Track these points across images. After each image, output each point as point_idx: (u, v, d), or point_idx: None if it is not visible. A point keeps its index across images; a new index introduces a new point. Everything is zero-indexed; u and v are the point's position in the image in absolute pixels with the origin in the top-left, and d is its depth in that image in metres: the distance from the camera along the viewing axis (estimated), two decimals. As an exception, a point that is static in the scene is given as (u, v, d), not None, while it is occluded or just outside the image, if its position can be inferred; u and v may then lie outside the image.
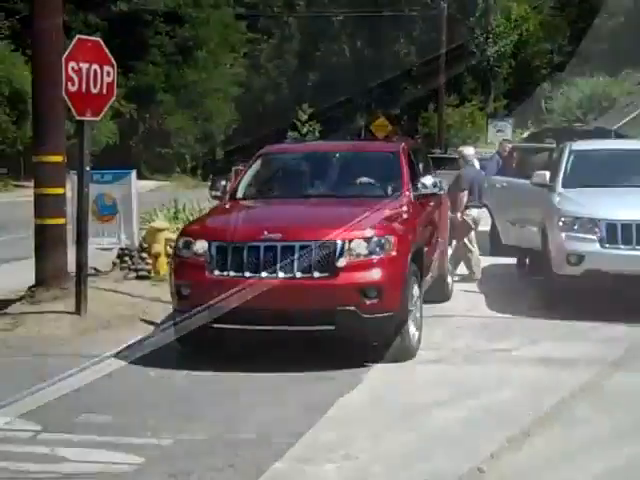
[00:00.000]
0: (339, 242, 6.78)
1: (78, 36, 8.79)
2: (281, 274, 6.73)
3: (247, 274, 6.75)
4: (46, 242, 9.05)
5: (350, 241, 6.81)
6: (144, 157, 49.10)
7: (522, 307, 9.43)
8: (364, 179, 8.47)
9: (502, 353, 7.58)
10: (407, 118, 56.28)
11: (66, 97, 8.70)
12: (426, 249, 8.19)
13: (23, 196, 28.07)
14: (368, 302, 6.77)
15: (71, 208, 9.60)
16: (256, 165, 8.94)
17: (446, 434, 5.47)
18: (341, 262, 6.75)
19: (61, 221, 9.21)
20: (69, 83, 8.65)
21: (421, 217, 8.24)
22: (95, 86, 8.94)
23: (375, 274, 6.83)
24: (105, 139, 41.90)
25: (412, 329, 7.26)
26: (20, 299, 9.21)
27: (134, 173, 10.79)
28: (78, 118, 8.90)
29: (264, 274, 6.72)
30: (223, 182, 8.74)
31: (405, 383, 6.70)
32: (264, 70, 68.74)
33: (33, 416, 5.76)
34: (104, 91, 9.08)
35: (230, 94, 55.56)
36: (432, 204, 9.00)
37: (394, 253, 6.93)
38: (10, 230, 18.20)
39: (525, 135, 19.52)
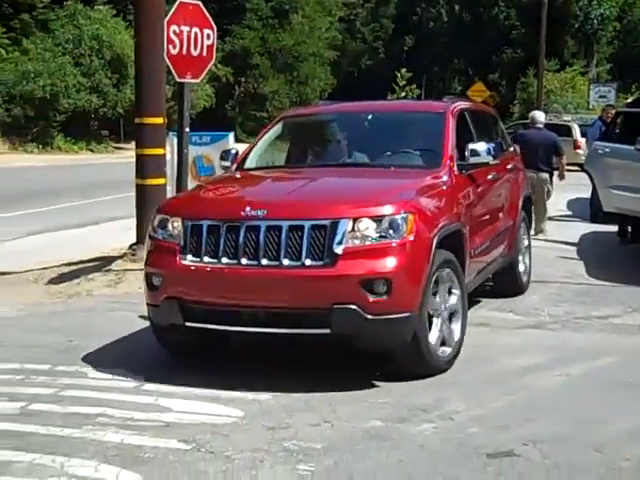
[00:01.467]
0: (339, 221, 5.30)
1: (180, 0, 8.89)
2: (264, 261, 5.33)
3: (224, 261, 5.41)
4: (146, 201, 9.27)
5: (354, 220, 5.32)
6: (239, 120, 49.59)
7: (622, 275, 9.23)
8: (396, 145, 6.97)
9: (602, 320, 7.45)
10: (505, 84, 55.31)
11: (167, 60, 8.85)
12: (473, 233, 6.62)
13: (123, 157, 28.80)
14: (374, 299, 5.26)
15: (170, 169, 9.81)
16: (275, 130, 7.63)
17: (544, 399, 5.42)
18: (341, 247, 5.27)
19: (161, 181, 9.43)
20: (170, 46, 8.79)
21: (466, 193, 6.59)
22: (195, 49, 9.07)
23: (384, 263, 5.28)
24: (202, 102, 42.44)
25: (434, 335, 5.78)
26: (122, 256, 9.49)
27: (232, 135, 10.91)
28: (179, 80, 9.05)
29: (244, 261, 5.36)
30: (234, 150, 7.43)
31: (501, 347, 6.64)
32: (360, 34, 68.37)
33: (136, 368, 5.95)
34: (204, 53, 9.21)
35: (325, 58, 55.46)
36: (493, 177, 7.46)
37: (412, 237, 5.40)
38: (112, 190, 18.71)
39: (629, 100, 18.98)
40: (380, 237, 5.33)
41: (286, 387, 5.52)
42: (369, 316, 5.26)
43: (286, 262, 5.30)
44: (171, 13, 8.85)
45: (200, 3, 9.28)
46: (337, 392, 5.48)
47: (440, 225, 5.77)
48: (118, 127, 39.33)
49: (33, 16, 37.32)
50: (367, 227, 5.32)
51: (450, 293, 6.00)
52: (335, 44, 56.97)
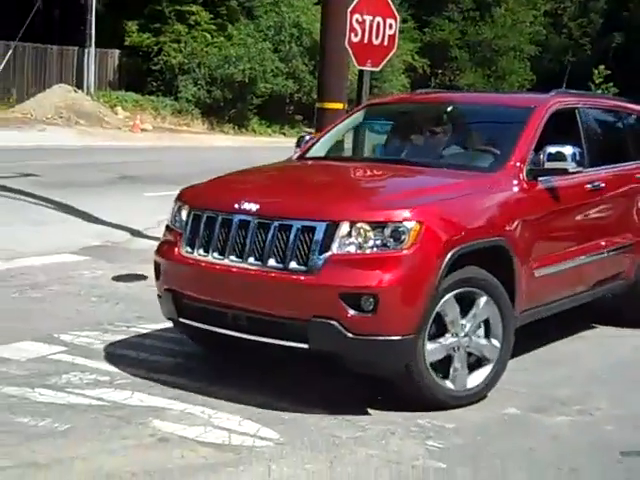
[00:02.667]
0: (332, 224, 4.70)
1: (365, -11, 9.14)
2: (250, 260, 4.88)
3: (214, 255, 5.03)
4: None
5: (352, 224, 4.70)
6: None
7: None
8: (467, 142, 6.36)
9: None
10: None
11: (348, 47, 9.13)
12: (545, 251, 5.75)
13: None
14: (356, 316, 4.60)
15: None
16: (352, 118, 7.26)
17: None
18: (329, 253, 4.68)
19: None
20: (352, 34, 9.07)
21: (535, 203, 5.67)
22: (377, 38, 9.30)
23: (373, 276, 4.61)
24: (397, 92, 42.67)
25: (456, 367, 5.05)
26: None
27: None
28: (359, 67, 9.31)
29: (232, 258, 4.95)
30: (308, 137, 6.98)
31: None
32: (566, 29, 66.42)
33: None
34: (385, 43, 9.42)
35: (526, 53, 54.37)
36: (596, 186, 6.37)
37: (413, 250, 4.69)
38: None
39: None
40: (376, 246, 4.66)
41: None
42: (350, 334, 4.60)
43: (270, 264, 4.80)
44: (355, 2, 9.11)
45: (385, -8, 9.49)
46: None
47: (464, 238, 4.95)
48: (312, 113, 40.31)
49: (240, 3, 38.82)
50: (364, 233, 4.67)
51: (479, 326, 5.13)
52: (537, 39, 55.76)
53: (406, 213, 4.74)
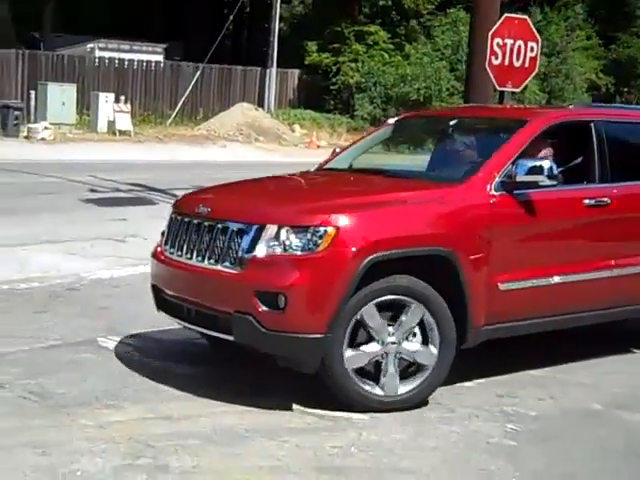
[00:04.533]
0: (258, 227, 5.07)
1: (506, 15, 9.70)
2: (198, 259, 5.34)
3: (177, 254, 5.52)
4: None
5: (279, 227, 5.03)
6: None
7: None
8: (454, 154, 6.56)
9: None
10: None
11: (488, 69, 9.71)
12: (497, 266, 5.54)
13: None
14: (268, 312, 4.94)
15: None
16: (378, 133, 7.55)
17: None
18: (253, 254, 5.04)
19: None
20: (493, 57, 9.65)
21: (500, 216, 5.57)
22: (518, 60, 9.82)
23: (284, 276, 4.93)
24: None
25: (385, 373, 5.18)
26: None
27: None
28: (499, 88, 9.86)
29: (187, 256, 5.43)
30: (338, 150, 7.19)
31: None
32: None
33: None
34: (526, 65, 9.94)
35: None
36: (596, 203, 6.09)
37: (327, 253, 4.93)
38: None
39: None
40: (295, 248, 4.98)
41: (526, 365, 6.21)
42: (264, 330, 4.95)
43: (210, 262, 5.25)
44: (496, 26, 9.69)
45: (527, 17, 10.01)
46: (571, 375, 6.08)
47: (385, 246, 5.05)
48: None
49: (420, 22, 39.63)
50: (287, 236, 5.00)
51: (414, 334, 5.24)
52: None
53: (323, 218, 5.03)
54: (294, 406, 5.21)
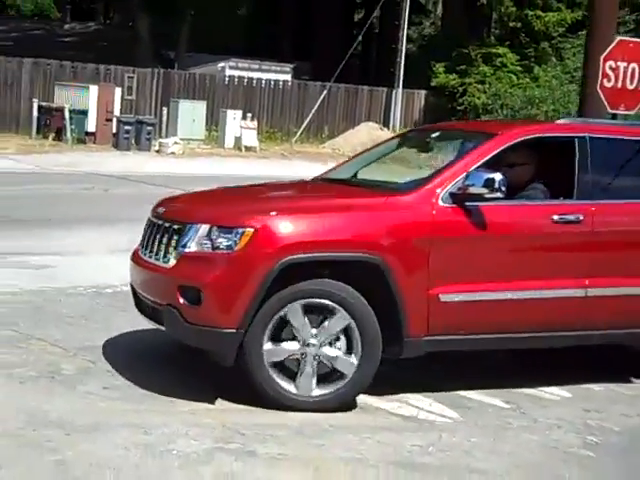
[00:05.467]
0: (192, 226, 5.35)
1: (619, 38, 9.72)
2: (150, 256, 5.65)
3: (144, 252, 5.79)
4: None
5: (211, 227, 5.30)
6: None
7: None
8: (422, 166, 6.69)
9: None
10: None
11: (600, 92, 9.75)
12: (438, 276, 5.48)
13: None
14: (188, 306, 5.24)
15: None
16: (385, 145, 7.57)
17: None
18: (183, 251, 5.34)
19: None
20: (605, 80, 9.68)
21: (443, 227, 5.53)
22: (632, 83, 9.82)
23: (201, 273, 5.23)
24: None
25: (301, 372, 5.30)
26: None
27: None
28: (610, 111, 9.87)
29: (147, 254, 5.71)
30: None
31: None
32: None
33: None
34: (640, 88, 9.91)
35: None
36: (575, 218, 5.88)
37: (242, 253, 5.16)
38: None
39: None
40: (218, 247, 5.24)
41: (620, 381, 6.30)
42: (186, 322, 5.25)
43: (156, 258, 5.55)
44: (609, 50, 9.72)
45: (641, 40, 10.00)
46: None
47: (303, 249, 5.20)
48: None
49: (552, 45, 39.26)
50: (216, 236, 5.25)
51: (337, 339, 5.32)
52: None
53: (244, 220, 5.28)
54: (381, 406, 5.49)
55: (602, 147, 6.19)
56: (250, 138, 26.13)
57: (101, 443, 4.58)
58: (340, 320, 5.28)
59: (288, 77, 31.48)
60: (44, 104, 24.67)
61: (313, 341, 5.27)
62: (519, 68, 36.62)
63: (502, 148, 5.91)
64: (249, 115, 27.18)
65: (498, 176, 5.51)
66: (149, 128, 24.38)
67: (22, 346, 6.13)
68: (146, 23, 32.08)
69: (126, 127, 23.86)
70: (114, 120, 24.16)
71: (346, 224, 5.44)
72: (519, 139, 6.06)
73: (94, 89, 24.32)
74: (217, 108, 27.78)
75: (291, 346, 5.30)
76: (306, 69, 34.31)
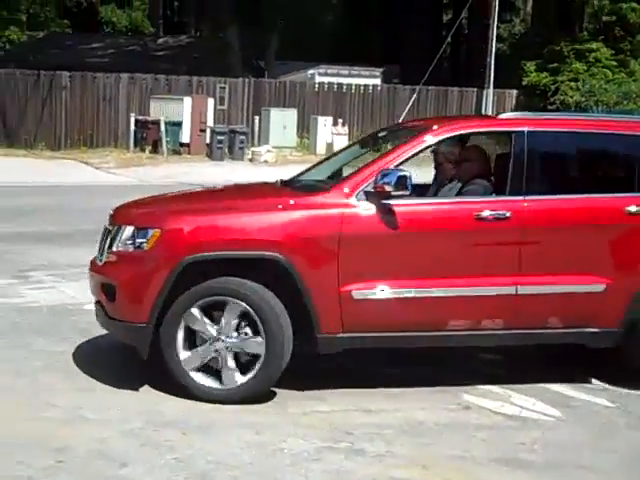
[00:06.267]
0: (119, 227, 5.68)
1: None
2: (100, 259, 5.90)
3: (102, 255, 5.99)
4: None
5: (133, 229, 5.58)
6: None
7: None
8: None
9: None
10: None
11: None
12: (348, 274, 5.45)
13: None
14: (108, 302, 5.64)
15: None
16: (352, 147, 7.77)
17: None
18: (110, 251, 5.70)
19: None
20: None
21: (354, 224, 5.51)
22: None
23: (114, 271, 5.61)
24: None
25: (192, 358, 5.47)
26: None
27: None
28: None
29: (101, 257, 5.92)
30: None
31: None
32: None
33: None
34: None
35: None
36: (495, 215, 5.67)
37: (150, 251, 5.44)
38: None
39: None
40: (134, 246, 5.53)
41: None
42: (108, 318, 5.69)
43: (99, 260, 5.89)
44: None
45: None
46: None
47: (208, 248, 5.41)
48: None
49: (646, 38, 38.41)
50: (131, 235, 5.55)
51: (241, 327, 5.45)
52: None
53: (153, 221, 5.58)
54: (485, 405, 5.59)
55: (541, 142, 6.00)
56: (341, 144, 26.35)
57: (216, 442, 4.80)
58: (234, 308, 5.40)
59: (378, 81, 31.65)
60: (140, 118, 25.43)
61: (220, 336, 5.43)
62: (614, 63, 35.93)
63: (424, 146, 5.86)
64: (340, 121, 27.43)
65: (408, 174, 5.47)
66: (242, 137, 24.86)
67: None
68: (236, 33, 32.65)
69: (219, 137, 24.40)
70: (207, 130, 24.74)
71: (248, 224, 5.53)
72: (446, 136, 6.01)
73: (188, 101, 24.94)
74: (308, 115, 28.11)
75: (204, 348, 5.47)
76: (395, 72, 34.36)
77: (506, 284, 5.68)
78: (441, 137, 5.99)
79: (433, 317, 5.69)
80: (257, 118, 26.97)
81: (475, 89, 32.66)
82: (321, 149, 26.35)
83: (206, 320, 5.46)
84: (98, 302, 5.86)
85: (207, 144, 24.73)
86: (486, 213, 5.66)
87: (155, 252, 5.45)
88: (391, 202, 5.53)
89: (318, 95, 29.67)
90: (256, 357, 5.44)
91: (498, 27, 33.74)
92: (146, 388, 5.63)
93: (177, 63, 33.89)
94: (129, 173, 21.52)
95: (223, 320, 5.45)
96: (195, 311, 5.43)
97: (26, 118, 26.03)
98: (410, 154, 5.75)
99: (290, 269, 5.39)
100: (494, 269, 5.69)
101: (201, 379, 5.46)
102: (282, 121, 26.57)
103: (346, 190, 5.58)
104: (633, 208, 5.82)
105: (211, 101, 25.85)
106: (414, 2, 36.59)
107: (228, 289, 5.42)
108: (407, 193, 5.50)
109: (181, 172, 21.23)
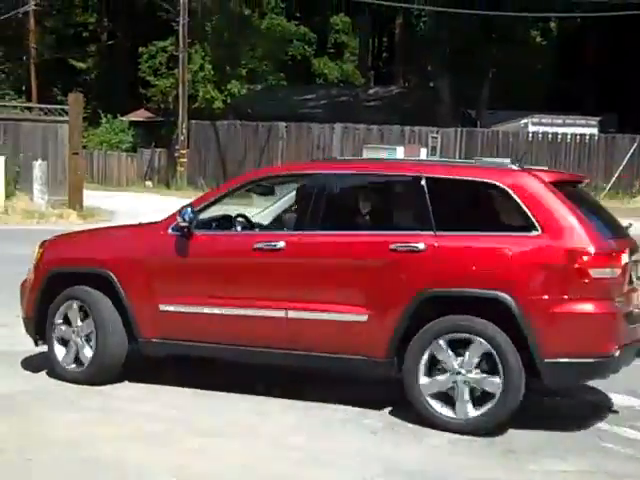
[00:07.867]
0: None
1: None
2: None
3: None
4: None
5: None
6: None
7: None
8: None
9: None
10: None
11: None
12: (157, 289, 6.58)
13: None
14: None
15: None
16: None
17: None
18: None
19: None
20: None
21: (159, 250, 6.67)
22: None
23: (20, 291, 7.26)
24: None
25: (58, 350, 6.83)
26: None
27: None
28: None
29: None
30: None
31: None
32: None
33: None
34: None
35: None
36: (269, 246, 6.32)
37: (34, 267, 7.02)
38: None
39: None
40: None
41: None
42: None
43: None
44: None
45: None
46: None
47: (60, 263, 6.98)
48: None
49: None
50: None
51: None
52: None
53: (43, 242, 7.14)
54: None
55: (329, 182, 6.50)
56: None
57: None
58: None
59: (594, 130, 30.68)
60: (354, 166, 25.83)
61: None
62: None
63: (231, 189, 6.83)
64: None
65: (187, 211, 6.44)
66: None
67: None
68: (446, 83, 32.72)
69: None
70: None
71: (91, 246, 7.15)
72: (260, 177, 7.13)
73: (400, 150, 25.05)
74: (522, 166, 27.56)
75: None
76: (612, 121, 33.18)
77: (278, 307, 6.25)
78: (250, 180, 7.04)
79: (223, 332, 6.46)
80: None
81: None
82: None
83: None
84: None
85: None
86: (264, 245, 6.36)
87: (36, 267, 7.03)
88: (190, 233, 6.51)
89: (531, 144, 29.13)
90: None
91: None
92: (380, 435, 5.53)
93: (387, 113, 34.35)
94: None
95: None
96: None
97: (246, 165, 27.16)
98: (218, 196, 6.78)
99: (114, 283, 6.63)
100: (269, 294, 6.33)
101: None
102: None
103: (167, 223, 6.68)
104: (395, 246, 6.00)
105: (424, 151, 25.91)
106: (630, 48, 35.38)
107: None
108: (186, 225, 6.46)
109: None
